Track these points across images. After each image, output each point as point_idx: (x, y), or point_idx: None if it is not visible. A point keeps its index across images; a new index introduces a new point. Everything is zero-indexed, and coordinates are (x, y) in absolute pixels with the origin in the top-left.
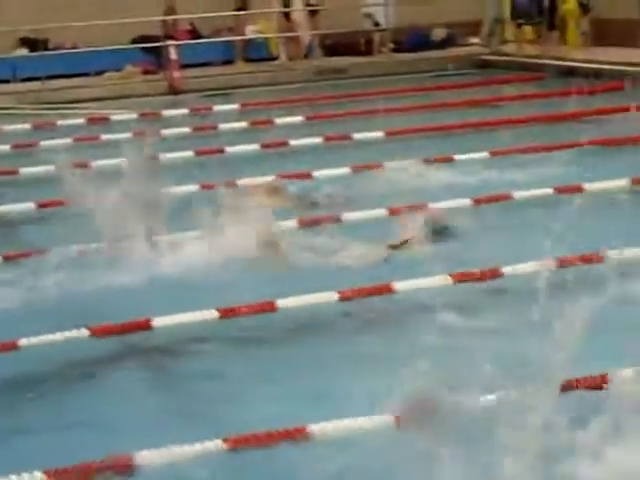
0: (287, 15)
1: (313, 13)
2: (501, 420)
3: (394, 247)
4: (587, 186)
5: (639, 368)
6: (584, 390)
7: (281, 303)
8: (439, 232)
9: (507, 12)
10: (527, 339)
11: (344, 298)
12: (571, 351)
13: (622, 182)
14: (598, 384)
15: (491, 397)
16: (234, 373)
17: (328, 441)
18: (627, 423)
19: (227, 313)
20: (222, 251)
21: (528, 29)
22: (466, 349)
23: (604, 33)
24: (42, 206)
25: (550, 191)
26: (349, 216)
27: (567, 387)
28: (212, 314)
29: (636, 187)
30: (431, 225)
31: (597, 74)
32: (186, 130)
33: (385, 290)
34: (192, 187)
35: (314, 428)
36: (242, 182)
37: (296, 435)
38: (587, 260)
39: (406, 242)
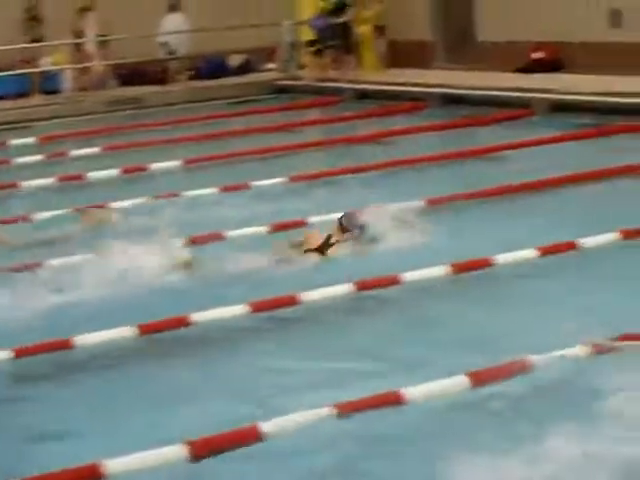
0: (80, 46)
1: (104, 43)
2: None
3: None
4: (385, 208)
5: None
6: None
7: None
8: (354, 230)
9: (304, 37)
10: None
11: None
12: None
13: (418, 203)
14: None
15: None
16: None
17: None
18: None
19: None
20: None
21: (325, 53)
22: None
23: (399, 55)
24: None
25: None
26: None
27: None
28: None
29: (430, 208)
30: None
31: (394, 96)
32: None
33: (183, 322)
34: None
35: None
36: (38, 217)
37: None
38: (384, 283)
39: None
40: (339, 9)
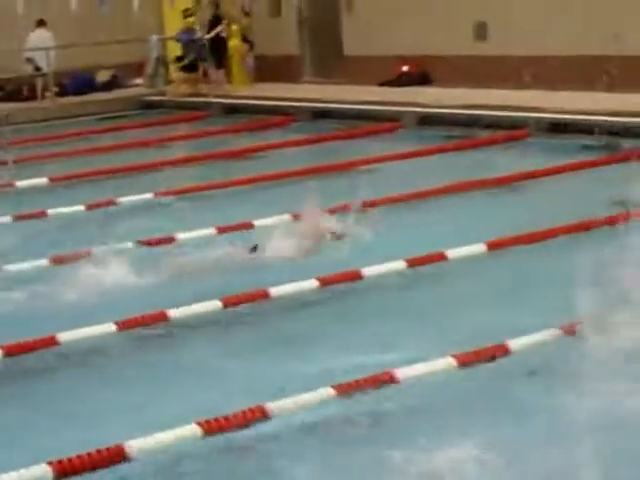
0: None
1: None
2: None
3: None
4: (256, 223)
5: None
6: None
7: None
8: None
9: (172, 52)
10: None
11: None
12: None
13: (287, 217)
14: None
15: None
16: None
17: None
18: None
19: None
20: None
21: (195, 68)
22: None
23: (268, 69)
24: None
25: (213, 231)
26: (11, 268)
27: None
28: None
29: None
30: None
31: (263, 110)
32: None
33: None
34: None
35: None
36: None
37: None
38: (251, 298)
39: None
40: (213, 23)
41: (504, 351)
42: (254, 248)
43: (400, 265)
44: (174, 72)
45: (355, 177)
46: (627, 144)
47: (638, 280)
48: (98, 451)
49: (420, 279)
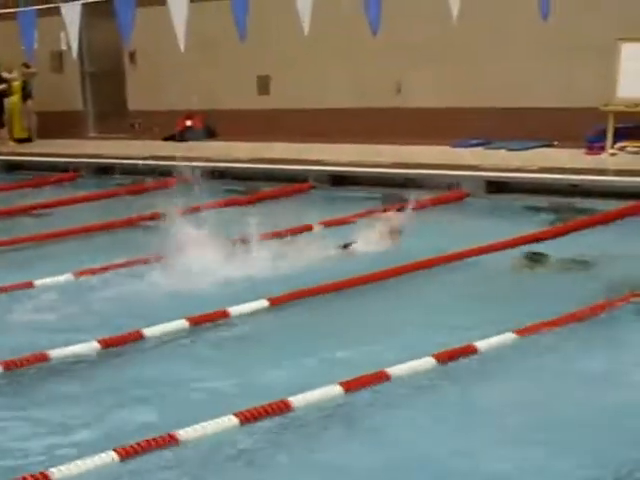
0: None
1: None
2: None
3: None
4: (37, 283)
5: None
6: None
7: None
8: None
9: None
10: None
11: None
12: None
13: (68, 277)
14: None
15: None
16: None
17: None
18: None
19: None
20: None
21: None
22: None
23: (50, 125)
24: None
25: None
26: None
27: None
28: None
29: (81, 280)
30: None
31: (46, 167)
32: None
33: None
34: None
35: None
36: None
37: None
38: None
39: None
40: None
41: (287, 408)
42: (346, 245)
43: (184, 324)
44: None
45: (141, 232)
46: (409, 196)
47: None
48: None
49: (199, 334)
